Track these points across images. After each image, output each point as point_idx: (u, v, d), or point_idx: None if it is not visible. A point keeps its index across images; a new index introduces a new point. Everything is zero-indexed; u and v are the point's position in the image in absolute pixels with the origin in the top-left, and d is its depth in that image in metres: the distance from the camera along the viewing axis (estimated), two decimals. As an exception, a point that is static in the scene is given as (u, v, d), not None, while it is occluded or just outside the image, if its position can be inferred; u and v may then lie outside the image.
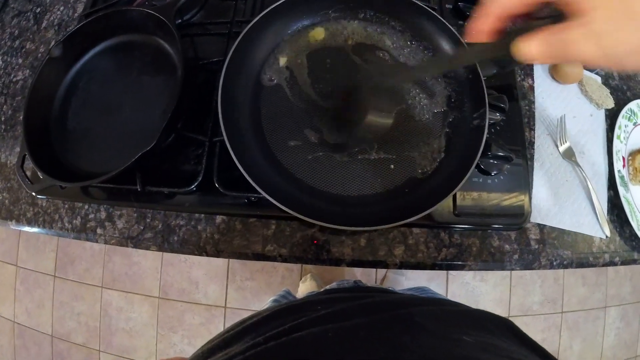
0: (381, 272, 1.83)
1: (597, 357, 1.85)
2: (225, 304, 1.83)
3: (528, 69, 0.74)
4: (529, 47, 0.31)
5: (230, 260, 1.85)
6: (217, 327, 1.81)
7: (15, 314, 1.94)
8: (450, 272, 1.83)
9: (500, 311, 1.77)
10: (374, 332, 0.33)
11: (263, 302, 1.57)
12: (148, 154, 0.56)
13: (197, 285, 1.85)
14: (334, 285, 0.95)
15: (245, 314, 0.44)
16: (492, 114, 0.62)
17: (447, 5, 0.73)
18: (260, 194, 0.51)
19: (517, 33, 0.33)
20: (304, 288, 1.69)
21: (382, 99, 0.53)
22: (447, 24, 0.63)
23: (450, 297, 1.78)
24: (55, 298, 1.91)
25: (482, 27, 0.35)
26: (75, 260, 1.92)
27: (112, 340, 1.86)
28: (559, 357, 1.81)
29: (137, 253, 1.89)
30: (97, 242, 0.66)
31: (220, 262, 1.85)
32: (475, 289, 1.83)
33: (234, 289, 1.84)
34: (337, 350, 0.30)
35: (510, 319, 0.40)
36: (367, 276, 1.83)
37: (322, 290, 0.75)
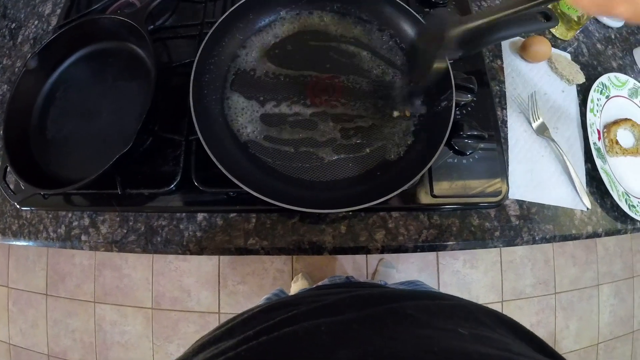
0: (372, 267, 1.83)
1: (594, 335, 1.87)
2: (219, 310, 1.82)
3: (496, 50, 0.76)
4: None
5: (220, 265, 1.84)
6: (212, 333, 1.79)
7: (10, 335, 1.92)
8: (441, 261, 1.84)
9: (493, 297, 1.78)
10: (366, 324, 0.33)
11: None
12: (126, 156, 0.56)
13: (189, 293, 1.84)
14: (325, 281, 0.95)
15: (241, 318, 0.44)
16: (462, 95, 0.63)
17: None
18: (238, 188, 0.52)
19: None
20: (296, 288, 1.68)
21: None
22: (409, 9, 0.66)
23: (441, 287, 1.79)
24: (49, 316, 1.88)
25: None
26: (65, 277, 1.90)
27: (108, 355, 1.84)
28: (556, 338, 1.83)
29: (127, 265, 1.88)
30: (82, 249, 0.66)
31: (210, 268, 1.84)
32: (466, 276, 1.83)
33: (226, 294, 1.83)
34: (330, 343, 0.30)
35: (504, 303, 0.40)
36: (358, 271, 1.83)
37: (314, 286, 0.75)
